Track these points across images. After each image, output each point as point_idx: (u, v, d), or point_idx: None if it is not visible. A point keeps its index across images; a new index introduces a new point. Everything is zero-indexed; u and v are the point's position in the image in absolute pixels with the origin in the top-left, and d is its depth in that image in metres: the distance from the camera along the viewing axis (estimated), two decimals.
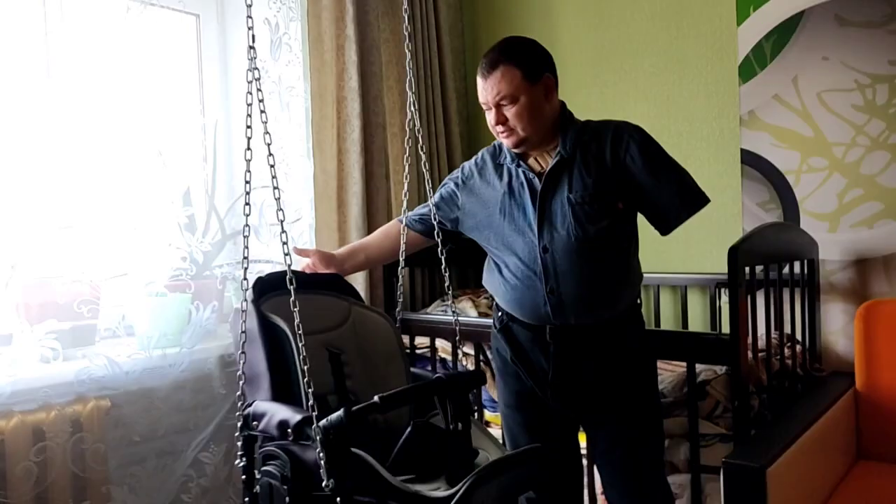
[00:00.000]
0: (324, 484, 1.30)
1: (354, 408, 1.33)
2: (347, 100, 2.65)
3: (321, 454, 1.30)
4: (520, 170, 1.66)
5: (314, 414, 1.32)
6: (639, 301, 1.71)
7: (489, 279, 1.75)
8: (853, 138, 2.21)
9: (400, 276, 1.95)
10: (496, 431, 2.23)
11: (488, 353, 2.28)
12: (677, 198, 1.59)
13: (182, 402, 2.17)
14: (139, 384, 2.07)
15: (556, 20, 2.90)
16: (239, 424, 1.49)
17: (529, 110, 1.59)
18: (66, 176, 2.05)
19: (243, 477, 1.49)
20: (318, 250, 1.87)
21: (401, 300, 1.99)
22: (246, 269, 1.45)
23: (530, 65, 1.59)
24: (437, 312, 2.66)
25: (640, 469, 1.64)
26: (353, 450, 1.34)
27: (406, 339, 2.56)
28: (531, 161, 1.67)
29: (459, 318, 2.32)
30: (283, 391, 1.50)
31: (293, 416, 1.38)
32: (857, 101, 2.19)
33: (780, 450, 1.52)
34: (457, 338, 1.91)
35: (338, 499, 1.30)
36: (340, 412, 1.32)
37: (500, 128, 1.61)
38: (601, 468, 1.70)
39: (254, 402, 1.50)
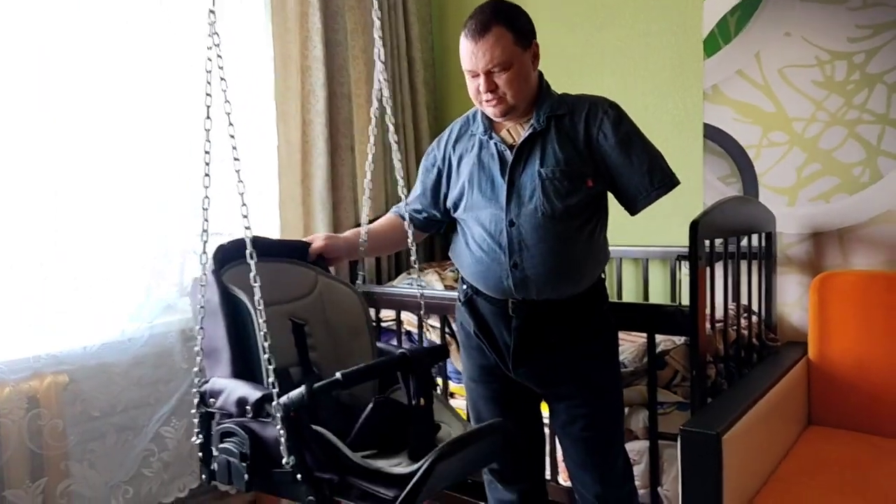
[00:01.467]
0: (284, 461, 1.29)
1: (316, 385, 1.31)
2: (312, 69, 2.60)
3: (282, 431, 1.29)
4: (491, 141, 1.62)
5: (275, 391, 1.30)
6: (602, 276, 1.71)
7: (455, 250, 1.74)
8: (813, 114, 2.24)
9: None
10: (461, 403, 2.25)
11: (454, 325, 2.29)
12: (647, 178, 1.56)
13: (142, 377, 2.14)
14: (98, 359, 2.04)
15: None
16: (195, 401, 1.46)
17: (520, 77, 1.53)
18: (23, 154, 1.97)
19: (200, 454, 1.47)
20: (325, 235, 1.78)
21: (362, 273, 1.98)
22: (205, 242, 1.42)
23: (521, 29, 1.53)
24: (402, 285, 2.66)
25: (600, 442, 1.66)
26: (314, 427, 1.33)
27: (372, 312, 2.55)
28: (503, 133, 1.63)
29: (425, 291, 2.30)
30: (244, 366, 1.48)
31: (252, 393, 1.36)
32: (817, 77, 2.23)
33: (736, 417, 1.57)
34: (422, 311, 1.90)
35: (298, 476, 1.29)
36: (301, 389, 1.30)
37: (488, 95, 1.54)
38: (562, 440, 1.72)
39: (211, 378, 1.47)
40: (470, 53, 1.53)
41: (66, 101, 2.02)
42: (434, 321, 2.36)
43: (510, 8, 1.55)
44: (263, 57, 2.55)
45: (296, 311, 1.68)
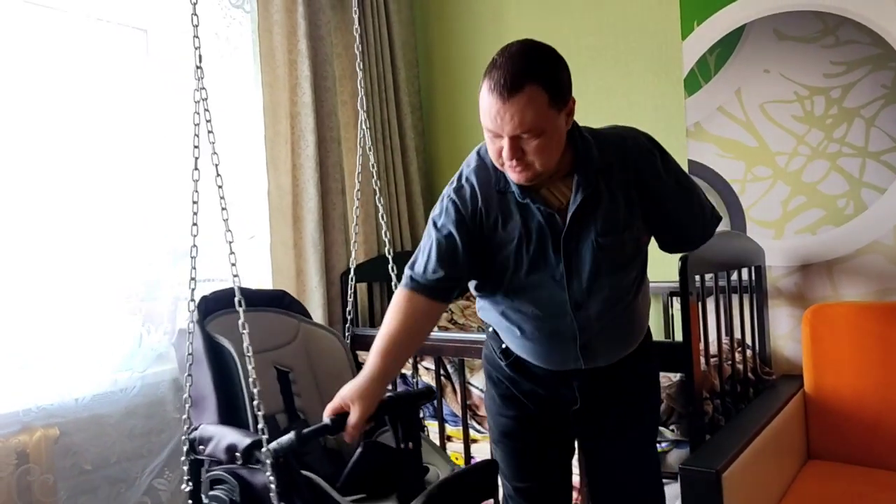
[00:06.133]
0: None
1: (305, 431, 1.32)
2: (301, 115, 2.63)
3: (271, 477, 1.28)
4: (535, 206, 1.35)
5: (265, 437, 1.30)
6: None
7: (493, 317, 1.51)
8: (795, 148, 2.29)
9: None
10: (458, 447, 2.23)
11: (449, 367, 2.28)
12: (705, 214, 1.49)
13: (135, 428, 2.11)
14: (89, 411, 2.01)
15: (508, 39, 2.94)
16: (185, 449, 1.46)
17: (552, 143, 1.28)
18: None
19: (189, 502, 1.46)
20: (358, 412, 1.32)
21: (350, 315, 1.98)
22: (193, 289, 1.43)
23: (559, 86, 1.26)
24: None
25: (642, 478, 1.58)
26: (304, 472, 1.34)
27: (366, 356, 2.54)
28: (544, 192, 1.37)
29: None
30: (230, 413, 1.48)
31: (242, 440, 1.36)
32: (797, 112, 2.28)
33: (735, 454, 1.56)
34: None
35: None
36: (291, 435, 1.30)
37: (513, 162, 1.27)
38: (602, 480, 1.60)
39: (199, 426, 1.47)
40: (494, 114, 1.24)
41: (57, 148, 2.04)
42: (428, 363, 2.35)
43: (547, 57, 1.29)
44: (253, 103, 2.59)
45: (280, 358, 1.69)
